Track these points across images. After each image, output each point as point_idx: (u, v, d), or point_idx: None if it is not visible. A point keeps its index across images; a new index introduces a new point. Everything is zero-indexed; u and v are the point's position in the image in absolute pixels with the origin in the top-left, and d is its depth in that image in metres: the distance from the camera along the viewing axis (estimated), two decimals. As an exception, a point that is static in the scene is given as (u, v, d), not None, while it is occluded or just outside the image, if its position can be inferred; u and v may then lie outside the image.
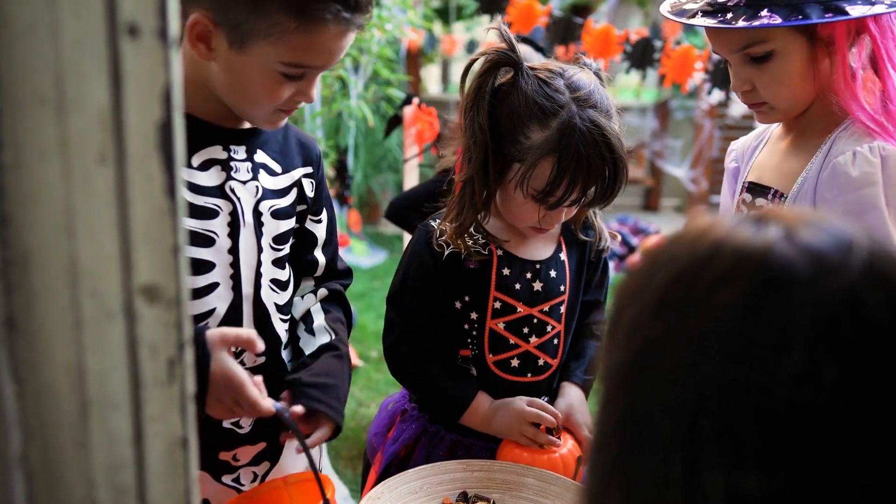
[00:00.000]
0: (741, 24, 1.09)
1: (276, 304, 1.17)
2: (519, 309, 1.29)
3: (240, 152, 1.12)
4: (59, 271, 0.43)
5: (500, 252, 1.28)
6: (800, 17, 1.07)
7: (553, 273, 1.31)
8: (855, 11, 1.06)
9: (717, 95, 4.43)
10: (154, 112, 0.43)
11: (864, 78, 1.14)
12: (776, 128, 1.31)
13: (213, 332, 0.97)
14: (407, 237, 3.19)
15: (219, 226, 1.09)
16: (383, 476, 1.27)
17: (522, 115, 1.17)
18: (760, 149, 1.32)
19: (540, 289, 1.30)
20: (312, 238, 1.26)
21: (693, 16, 1.16)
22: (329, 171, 3.66)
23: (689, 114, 6.56)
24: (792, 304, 0.44)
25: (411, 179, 3.17)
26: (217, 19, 0.98)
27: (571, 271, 1.34)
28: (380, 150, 5.53)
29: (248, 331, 0.99)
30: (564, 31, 3.03)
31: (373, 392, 3.24)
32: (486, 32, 1.32)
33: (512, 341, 1.29)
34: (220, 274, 1.09)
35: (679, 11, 1.20)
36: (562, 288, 1.32)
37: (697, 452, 0.45)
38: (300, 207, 1.21)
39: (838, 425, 0.43)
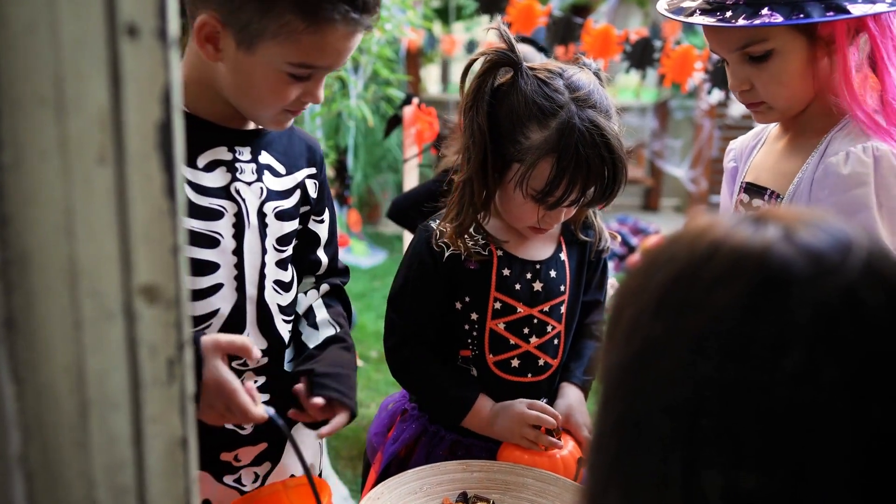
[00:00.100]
0: (741, 22, 1.08)
1: (279, 306, 1.17)
2: (519, 309, 1.29)
3: (245, 153, 1.12)
4: (59, 271, 0.43)
5: (500, 252, 1.28)
6: (801, 15, 1.05)
7: (553, 273, 1.31)
8: (856, 10, 1.05)
9: (717, 95, 4.43)
10: (153, 112, 0.43)
11: (861, 77, 1.13)
12: (774, 127, 1.30)
13: (208, 338, 0.97)
14: (407, 237, 3.19)
15: (224, 227, 1.09)
16: (383, 476, 1.27)
17: (522, 115, 1.17)
18: (758, 148, 1.31)
19: (540, 289, 1.30)
20: (315, 238, 1.26)
21: (691, 14, 1.15)
22: (329, 171, 3.65)
23: (688, 114, 6.57)
24: (791, 303, 0.44)
25: (411, 179, 3.17)
26: (225, 20, 0.98)
27: (571, 271, 1.34)
28: (379, 150, 5.53)
29: (242, 338, 0.99)
30: (564, 31, 3.02)
31: (373, 392, 3.24)
32: (486, 33, 1.32)
33: (512, 342, 1.29)
34: (224, 275, 1.10)
35: (676, 9, 1.19)
36: (562, 288, 1.32)
37: (696, 452, 0.45)
38: (303, 209, 1.21)
39: (837, 425, 0.43)
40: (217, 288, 1.09)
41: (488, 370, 1.30)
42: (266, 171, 1.14)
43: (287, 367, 1.22)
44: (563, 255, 1.34)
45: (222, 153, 1.10)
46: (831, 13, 1.05)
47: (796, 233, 0.46)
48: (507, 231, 1.30)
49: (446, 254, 1.27)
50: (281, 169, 1.17)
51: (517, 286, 1.28)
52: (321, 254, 1.27)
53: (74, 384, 0.45)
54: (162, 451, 0.47)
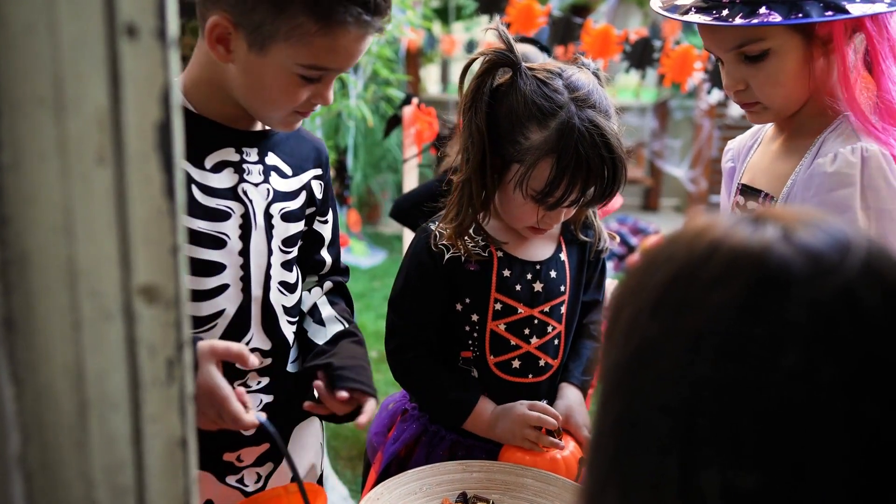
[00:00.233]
0: (739, 21, 1.06)
1: (284, 307, 1.17)
2: (520, 310, 1.29)
3: (252, 154, 1.12)
4: (58, 272, 0.43)
5: (500, 253, 1.28)
6: (800, 14, 1.04)
7: (553, 273, 1.31)
8: (855, 10, 1.03)
9: (717, 95, 4.43)
10: (153, 112, 0.43)
11: (854, 78, 1.11)
12: (770, 127, 1.29)
13: (204, 343, 0.97)
14: (407, 237, 3.19)
15: (230, 228, 1.09)
16: (383, 476, 1.27)
17: (521, 115, 1.17)
18: (755, 149, 1.30)
19: (540, 289, 1.30)
20: (320, 238, 1.26)
21: (686, 12, 1.13)
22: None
23: (688, 113, 6.57)
24: (789, 303, 0.44)
25: (411, 179, 3.17)
26: (238, 21, 0.98)
27: (571, 271, 1.34)
28: (379, 150, 5.53)
29: (239, 345, 0.99)
30: (564, 31, 3.02)
31: (373, 392, 3.24)
32: (485, 33, 1.32)
33: (513, 342, 1.29)
34: (230, 276, 1.10)
35: (671, 7, 1.17)
36: (562, 288, 1.32)
37: (694, 452, 0.45)
38: (309, 210, 1.21)
39: (835, 425, 0.43)
40: (223, 289, 1.09)
41: (489, 371, 1.30)
42: (273, 173, 1.14)
43: (290, 367, 1.22)
44: (563, 256, 1.34)
45: (230, 154, 1.10)
46: (830, 13, 1.03)
47: (795, 233, 0.46)
48: (507, 232, 1.30)
49: (446, 256, 1.27)
50: (287, 170, 1.17)
51: (517, 287, 1.28)
52: (325, 254, 1.27)
53: (74, 384, 0.45)
54: (161, 451, 0.47)
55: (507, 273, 1.28)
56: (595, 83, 1.20)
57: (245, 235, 1.10)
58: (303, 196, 1.19)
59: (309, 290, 1.27)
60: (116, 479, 0.46)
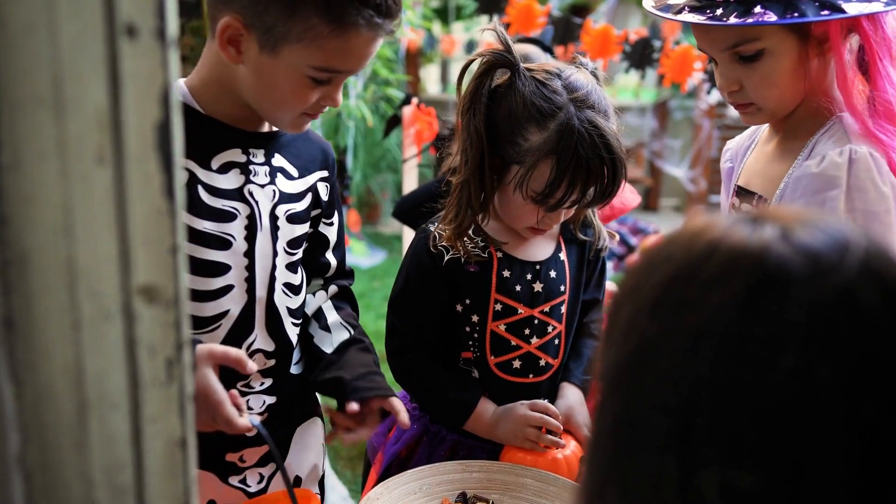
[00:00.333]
0: (733, 21, 1.04)
1: (288, 308, 1.17)
2: (520, 310, 1.29)
3: (259, 156, 1.12)
4: (58, 272, 0.43)
5: (499, 254, 1.28)
6: (795, 14, 1.02)
7: (553, 273, 1.31)
8: (851, 9, 1.02)
9: (716, 95, 4.43)
10: (152, 112, 0.43)
11: (852, 78, 1.10)
12: (766, 128, 1.27)
13: (203, 347, 0.97)
14: (406, 237, 3.19)
15: (236, 229, 1.09)
16: (384, 476, 1.27)
17: (520, 116, 1.17)
18: (752, 149, 1.28)
19: (540, 289, 1.30)
20: (325, 241, 1.26)
21: (679, 11, 1.11)
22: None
23: (688, 113, 6.57)
24: (788, 303, 0.44)
25: (410, 179, 3.17)
26: (249, 23, 0.98)
27: (571, 271, 1.34)
28: (379, 150, 5.53)
29: (237, 351, 0.98)
30: (563, 31, 3.03)
31: (372, 392, 3.23)
32: (482, 33, 1.32)
33: (513, 343, 1.29)
34: (235, 276, 1.10)
35: (664, 7, 1.15)
36: (562, 288, 1.32)
37: (693, 451, 0.45)
38: (314, 212, 1.21)
39: (834, 424, 0.43)
40: (227, 289, 1.09)
41: (490, 372, 1.30)
42: (279, 174, 1.14)
43: (294, 369, 1.22)
44: (563, 255, 1.34)
45: (236, 155, 1.10)
46: (826, 12, 1.02)
47: (793, 232, 0.46)
48: (507, 232, 1.30)
49: (446, 257, 1.27)
50: (294, 172, 1.17)
51: (517, 287, 1.28)
52: (330, 256, 1.27)
53: (73, 384, 0.45)
54: (161, 451, 0.47)
55: (506, 273, 1.28)
56: (594, 83, 1.20)
57: (250, 237, 1.10)
58: (308, 198, 1.19)
59: (313, 294, 1.27)
60: (116, 479, 0.47)
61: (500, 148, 1.20)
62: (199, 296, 1.08)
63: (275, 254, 1.14)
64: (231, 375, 1.01)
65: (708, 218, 0.51)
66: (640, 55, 3.06)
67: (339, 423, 1.14)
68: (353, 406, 1.09)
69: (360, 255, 5.02)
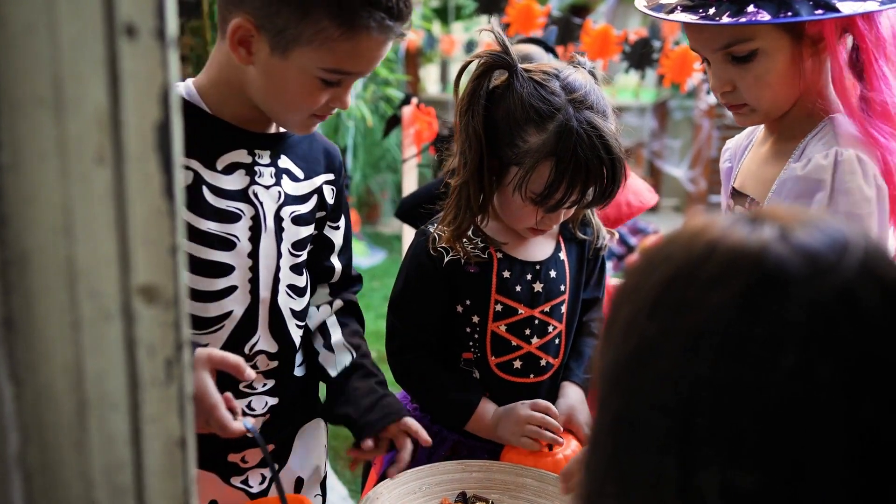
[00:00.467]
0: (726, 20, 1.02)
1: (291, 310, 1.17)
2: (520, 311, 1.28)
3: (264, 157, 1.12)
4: (58, 272, 0.43)
5: (499, 255, 1.28)
6: (789, 13, 1.00)
7: (553, 273, 1.31)
8: (846, 8, 1.00)
9: (716, 95, 4.42)
10: (152, 112, 0.43)
11: (848, 79, 1.08)
12: (763, 128, 1.24)
13: (202, 351, 0.97)
14: (406, 237, 3.19)
15: (240, 230, 1.09)
16: (384, 476, 1.27)
17: (519, 118, 1.17)
18: (749, 149, 1.27)
19: (540, 289, 1.30)
20: (330, 244, 1.26)
21: (672, 10, 1.09)
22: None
23: (687, 114, 6.57)
24: (787, 303, 0.44)
25: (410, 179, 3.17)
26: (260, 24, 0.99)
27: (571, 270, 1.34)
28: (378, 150, 5.53)
29: (236, 357, 0.98)
30: (563, 31, 3.03)
31: (372, 392, 3.23)
32: (479, 34, 1.32)
33: (514, 343, 1.29)
34: (238, 277, 1.10)
35: (656, 6, 1.13)
36: (562, 287, 1.32)
37: (693, 451, 0.45)
38: (319, 214, 1.21)
39: (833, 424, 0.43)
40: (231, 290, 1.09)
41: (490, 372, 1.30)
42: (284, 176, 1.14)
43: (298, 371, 1.22)
44: (563, 255, 1.34)
45: (242, 156, 1.10)
46: (820, 11, 0.99)
47: (792, 232, 0.47)
48: (506, 232, 1.30)
49: (446, 259, 1.27)
50: (299, 174, 1.17)
51: (517, 288, 1.28)
52: (335, 260, 1.27)
53: (73, 384, 0.45)
54: (160, 451, 0.47)
55: (506, 274, 1.28)
56: (592, 83, 1.20)
57: (255, 238, 1.10)
58: (314, 200, 1.18)
59: (318, 307, 1.26)
60: (115, 479, 0.47)
61: (498, 149, 1.20)
62: (202, 296, 1.07)
63: (279, 255, 1.13)
64: (233, 376, 1.01)
65: (707, 218, 0.51)
66: (640, 55, 3.06)
67: (358, 458, 1.19)
68: (369, 443, 1.15)
69: (359, 255, 5.02)
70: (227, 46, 1.02)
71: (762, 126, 1.25)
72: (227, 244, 1.08)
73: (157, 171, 0.44)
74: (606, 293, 1.46)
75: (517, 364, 1.30)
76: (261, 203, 1.11)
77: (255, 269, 1.11)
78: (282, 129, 1.16)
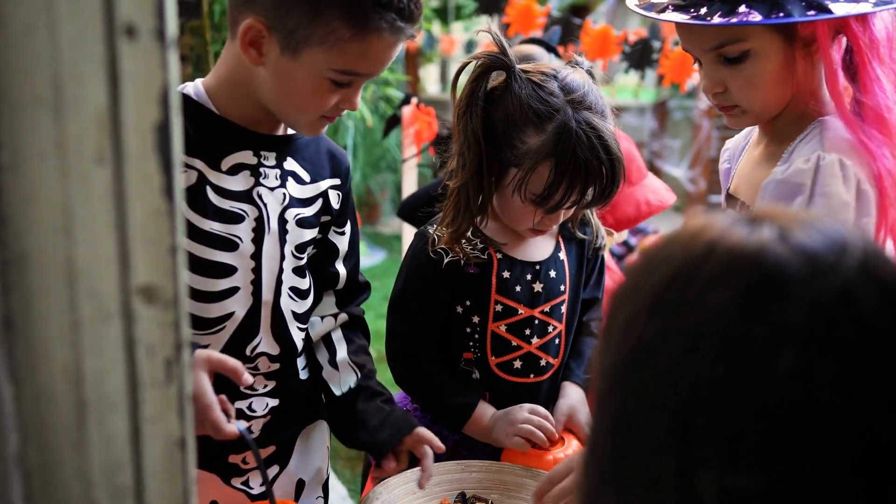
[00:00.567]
0: (717, 20, 1.00)
1: (293, 313, 1.17)
2: (520, 311, 1.28)
3: (270, 159, 1.12)
4: (57, 272, 0.44)
5: (499, 255, 1.28)
6: (781, 14, 0.97)
7: (553, 273, 1.31)
8: (838, 10, 0.97)
9: (716, 95, 4.42)
10: (152, 113, 0.43)
11: (841, 82, 1.05)
12: (757, 130, 1.22)
13: (201, 352, 0.97)
14: (406, 237, 3.19)
15: (244, 231, 1.09)
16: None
17: (517, 119, 1.17)
18: (746, 150, 1.25)
19: (540, 289, 1.30)
20: (334, 250, 1.25)
21: (663, 10, 1.07)
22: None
23: (687, 114, 6.57)
24: (787, 303, 0.44)
25: (410, 179, 3.17)
26: (272, 25, 0.99)
27: (571, 270, 1.34)
28: (378, 149, 5.53)
29: (235, 361, 0.98)
30: (563, 31, 3.03)
31: (372, 392, 3.23)
32: (478, 34, 1.32)
33: (514, 343, 1.29)
34: (241, 278, 1.10)
35: (647, 5, 1.11)
36: (562, 287, 1.32)
37: (691, 452, 0.45)
38: (324, 218, 1.21)
39: (833, 424, 0.43)
40: (233, 291, 1.09)
41: (491, 372, 1.30)
42: (290, 178, 1.14)
43: (302, 374, 1.22)
44: (562, 255, 1.34)
45: (247, 157, 1.10)
46: (813, 12, 0.97)
47: (792, 233, 0.47)
48: (505, 233, 1.30)
49: (445, 260, 1.27)
50: (305, 176, 1.16)
51: (517, 288, 1.28)
52: (339, 266, 1.26)
53: (72, 384, 0.45)
54: (160, 451, 0.47)
55: (506, 274, 1.28)
56: (590, 82, 1.20)
57: (258, 239, 1.10)
58: (318, 203, 1.18)
59: (322, 318, 1.25)
60: (115, 480, 0.47)
61: (497, 151, 1.20)
62: (204, 297, 1.07)
63: (282, 257, 1.13)
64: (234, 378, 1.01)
65: (707, 218, 0.51)
66: (640, 56, 3.06)
67: (379, 476, 1.20)
68: (392, 465, 1.18)
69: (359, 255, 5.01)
70: (237, 47, 1.02)
71: (758, 127, 1.24)
72: (230, 245, 1.08)
73: (157, 171, 0.44)
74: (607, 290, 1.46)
75: (517, 364, 1.30)
76: (265, 204, 1.10)
77: (257, 271, 1.11)
78: (289, 132, 1.15)
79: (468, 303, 1.29)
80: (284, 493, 1.22)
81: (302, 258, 1.17)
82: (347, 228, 1.26)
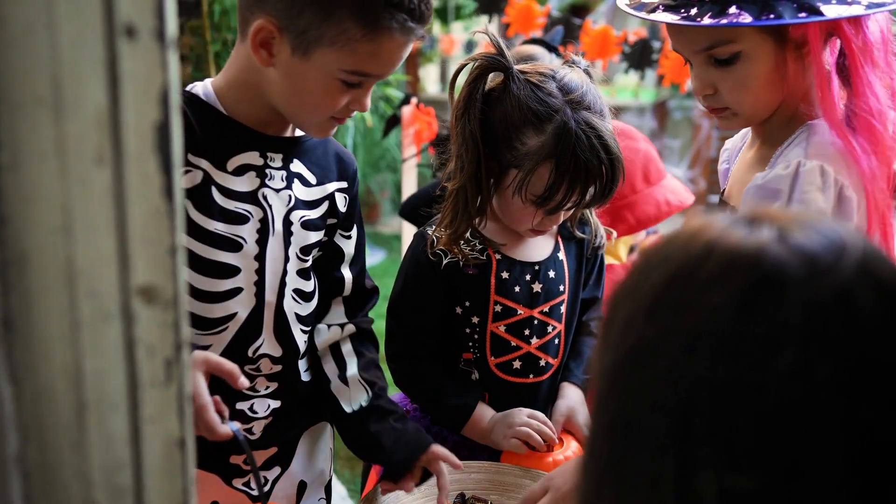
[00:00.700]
0: (707, 21, 0.99)
1: (297, 315, 1.16)
2: (519, 311, 1.28)
3: (276, 160, 1.12)
4: (57, 272, 0.44)
5: (497, 256, 1.28)
6: (772, 15, 0.96)
7: (552, 273, 1.31)
8: (830, 12, 0.96)
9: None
10: (151, 113, 0.43)
11: (833, 85, 1.03)
12: (751, 132, 1.20)
13: (199, 353, 0.97)
14: (406, 237, 3.19)
15: (248, 231, 1.09)
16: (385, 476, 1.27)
17: (516, 120, 1.17)
18: (741, 151, 1.24)
19: (539, 290, 1.30)
20: (340, 253, 1.24)
21: (653, 10, 1.06)
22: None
23: (687, 114, 6.57)
24: (785, 304, 0.44)
25: (410, 179, 3.17)
26: (283, 25, 0.98)
27: (570, 270, 1.34)
28: (378, 149, 5.53)
29: (232, 365, 0.98)
30: (563, 31, 3.03)
31: (371, 392, 3.23)
32: (474, 35, 1.32)
33: (513, 343, 1.29)
34: (244, 279, 1.09)
35: (637, 5, 1.10)
36: (561, 287, 1.32)
37: (690, 452, 0.45)
38: (330, 221, 1.20)
39: (831, 425, 0.43)
40: (236, 292, 1.09)
41: (490, 372, 1.30)
42: (296, 180, 1.14)
43: (304, 376, 1.21)
44: (562, 255, 1.34)
45: (253, 158, 1.10)
46: (804, 14, 0.96)
47: (790, 234, 0.47)
48: (504, 232, 1.30)
49: (444, 261, 1.27)
50: (312, 179, 1.16)
51: (516, 288, 1.28)
52: (345, 271, 1.25)
53: (72, 385, 0.45)
54: (160, 451, 0.47)
55: (505, 275, 1.28)
56: (588, 82, 1.20)
57: (262, 240, 1.10)
58: (324, 206, 1.17)
59: (328, 327, 1.24)
60: (115, 480, 0.47)
61: (496, 152, 1.20)
62: (206, 297, 1.07)
63: (286, 259, 1.13)
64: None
65: (706, 218, 0.51)
66: (640, 56, 3.06)
67: (389, 489, 1.20)
68: (411, 485, 1.19)
69: (359, 255, 5.01)
70: (247, 48, 1.01)
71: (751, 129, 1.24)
72: (234, 245, 1.08)
73: (157, 171, 0.44)
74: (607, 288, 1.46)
75: (517, 364, 1.30)
76: (270, 206, 1.10)
77: (261, 272, 1.10)
78: (297, 133, 1.15)
79: (467, 303, 1.29)
80: (286, 495, 1.22)
81: (307, 260, 1.17)
82: (354, 232, 1.25)
